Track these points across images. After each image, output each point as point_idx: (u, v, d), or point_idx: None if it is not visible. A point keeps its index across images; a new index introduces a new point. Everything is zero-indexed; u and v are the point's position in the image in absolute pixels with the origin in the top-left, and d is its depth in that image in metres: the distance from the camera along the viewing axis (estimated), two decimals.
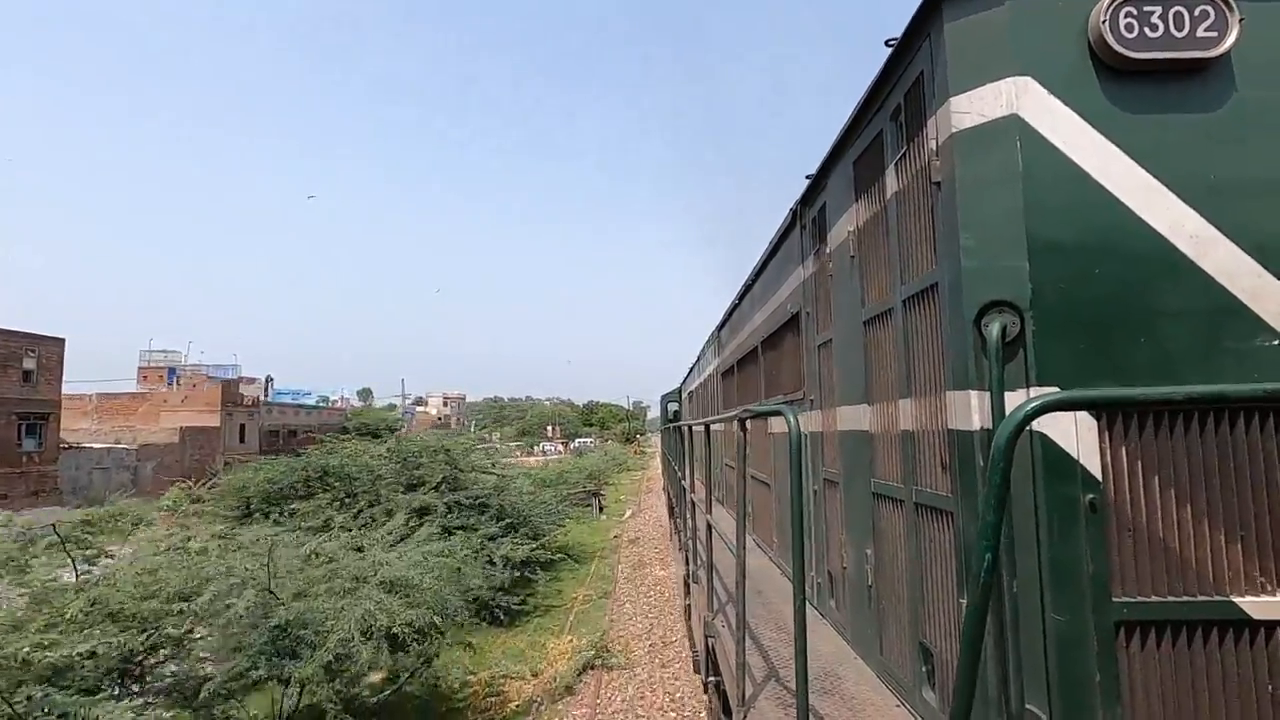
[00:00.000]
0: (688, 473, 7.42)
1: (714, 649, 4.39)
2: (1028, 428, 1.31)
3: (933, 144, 2.38)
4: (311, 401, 68.37)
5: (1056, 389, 2.01)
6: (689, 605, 8.47)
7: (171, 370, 47.16)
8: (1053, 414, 1.98)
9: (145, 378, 47.35)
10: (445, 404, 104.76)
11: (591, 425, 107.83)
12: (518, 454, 71.39)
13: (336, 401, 77.95)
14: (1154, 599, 1.97)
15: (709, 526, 4.31)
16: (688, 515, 7.68)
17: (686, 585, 8.57)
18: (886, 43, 2.70)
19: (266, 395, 55.95)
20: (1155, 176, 2.10)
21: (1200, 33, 2.09)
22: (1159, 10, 2.10)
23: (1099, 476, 2.01)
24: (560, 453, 65.73)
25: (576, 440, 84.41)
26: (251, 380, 55.51)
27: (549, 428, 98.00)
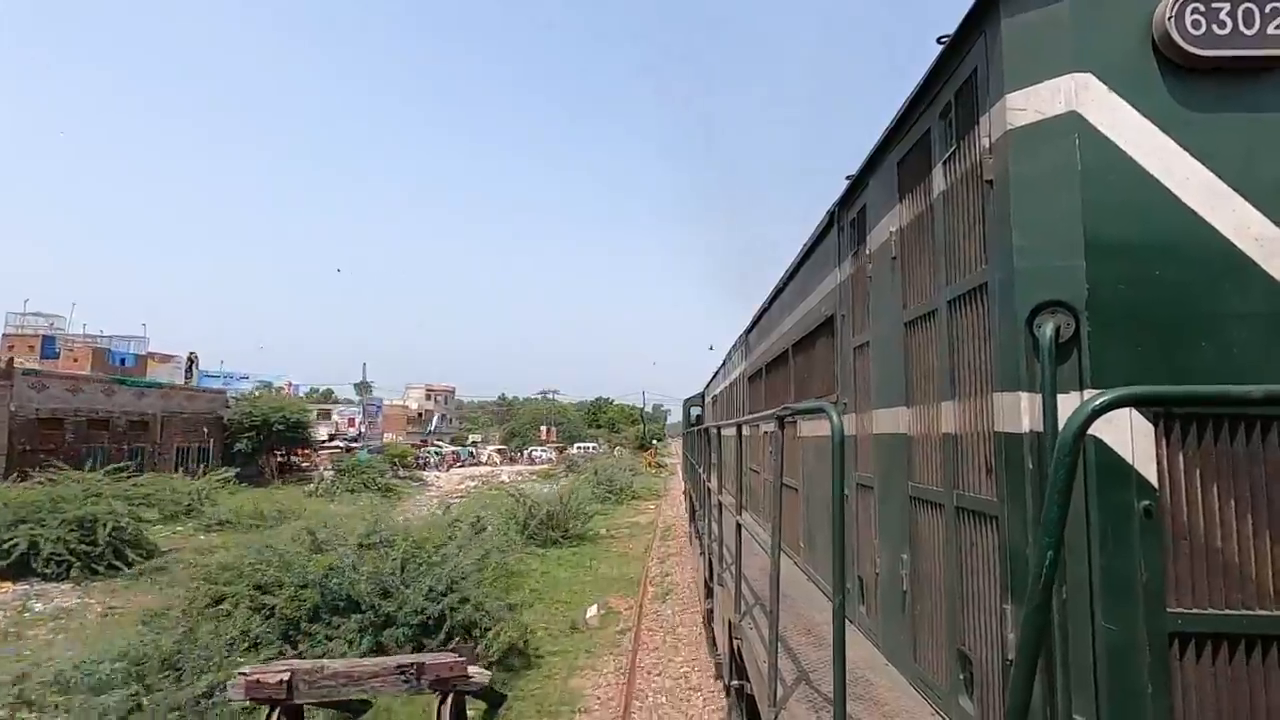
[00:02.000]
0: (713, 475, 7.39)
1: (739, 652, 4.35)
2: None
3: (985, 142, 2.35)
4: (248, 387, 51.46)
5: None
6: (710, 609, 8.42)
7: (49, 339, 36.35)
8: (1107, 417, 1.94)
9: (11, 346, 35.21)
10: (429, 397, 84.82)
11: (599, 427, 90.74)
12: (497, 460, 60.30)
13: (283, 389, 58.71)
14: (1210, 611, 1.92)
15: (739, 528, 4.28)
16: (710, 519, 7.65)
17: (707, 588, 8.53)
18: (938, 40, 2.67)
19: (190, 378, 44.18)
20: (1220, 177, 2.05)
21: (1271, 30, 2.03)
22: (1227, 7, 2.05)
23: (1154, 483, 1.96)
24: (551, 461, 55.54)
25: (575, 446, 68.09)
26: (169, 357, 43.69)
27: (542, 429, 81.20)
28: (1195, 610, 1.92)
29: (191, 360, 46.63)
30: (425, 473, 46.43)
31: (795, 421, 5.42)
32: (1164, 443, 1.97)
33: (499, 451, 66.97)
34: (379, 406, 71.10)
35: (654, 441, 74.45)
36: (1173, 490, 1.96)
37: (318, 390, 76.87)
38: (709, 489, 7.47)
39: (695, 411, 20.83)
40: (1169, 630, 1.92)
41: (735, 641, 4.38)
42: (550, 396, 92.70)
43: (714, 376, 16.31)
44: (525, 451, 68.15)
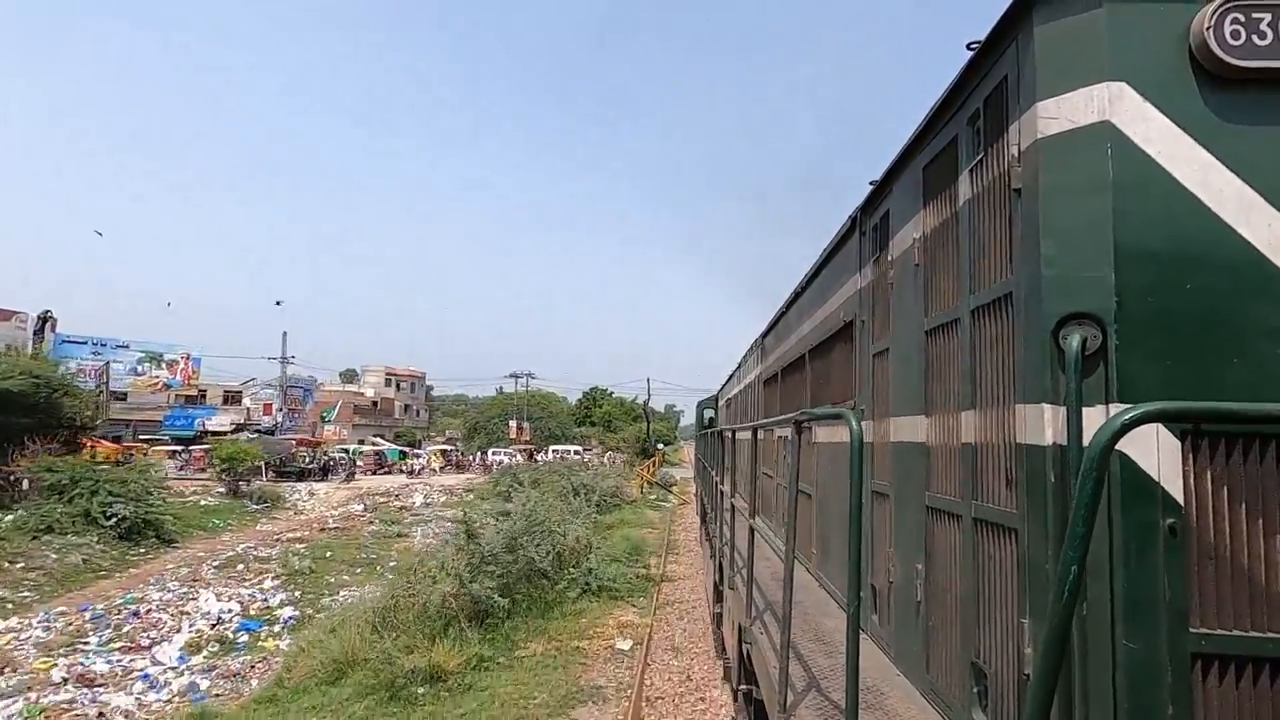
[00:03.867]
0: (726, 479, 7.37)
1: (749, 656, 4.34)
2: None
3: (1014, 150, 2.32)
4: (136, 357, 40.99)
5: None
6: (719, 613, 8.40)
7: None
8: (1134, 433, 1.91)
9: None
10: (389, 383, 67.94)
11: (592, 424, 72.01)
12: (436, 465, 44.46)
13: (177, 363, 46.51)
14: (1235, 633, 1.88)
15: (751, 531, 4.27)
16: (722, 522, 7.63)
17: (718, 592, 8.51)
18: (968, 46, 2.64)
19: (40, 341, 33.69)
20: (1255, 189, 2.01)
21: None
22: (1268, 18, 2.01)
23: (1180, 500, 1.92)
24: (505, 463, 40.86)
25: (552, 448, 50.99)
26: (8, 314, 33.47)
27: (512, 424, 63.46)
28: (1220, 631, 1.88)
29: (45, 320, 35.37)
30: (308, 484, 33.38)
31: (811, 427, 5.39)
32: (1191, 460, 1.94)
33: (443, 453, 49.42)
34: (308, 390, 55.21)
35: (659, 446, 58.13)
36: (1199, 509, 1.93)
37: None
38: (722, 492, 7.45)
39: (709, 414, 20.81)
40: (1191, 651, 1.88)
41: (745, 646, 4.36)
42: (524, 381, 69.79)
43: (729, 379, 16.27)
44: (483, 454, 51.33)
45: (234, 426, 44.10)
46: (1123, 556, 1.92)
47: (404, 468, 44.93)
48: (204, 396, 49.51)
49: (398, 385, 70.08)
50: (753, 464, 4.84)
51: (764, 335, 9.41)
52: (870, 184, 4.04)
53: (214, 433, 41.12)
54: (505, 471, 31.88)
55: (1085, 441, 1.89)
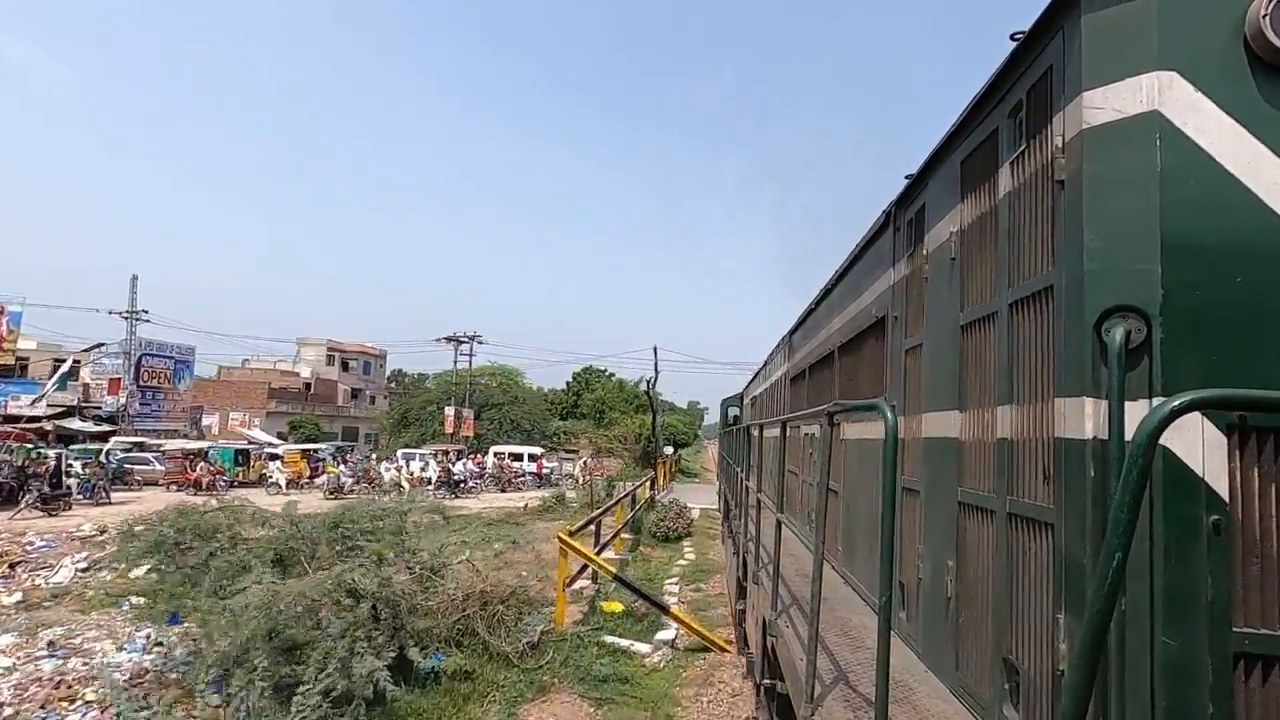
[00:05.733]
0: (751, 475, 7.37)
1: (774, 650, 4.34)
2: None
3: (1059, 140, 2.29)
4: None
5: None
6: (742, 609, 8.40)
7: None
8: (1178, 426, 1.88)
9: None
10: (332, 361, 51.42)
11: (581, 416, 51.73)
12: (282, 477, 27.21)
13: None
14: None
15: (778, 525, 4.27)
16: (746, 518, 7.62)
17: (741, 588, 8.51)
18: (1012, 36, 2.61)
19: None
20: None
21: None
22: None
23: (1225, 497, 1.89)
24: (429, 481, 28.30)
25: (493, 452, 36.08)
26: None
27: (448, 411, 44.46)
28: (1265, 631, 1.84)
29: None
30: None
31: (839, 423, 5.36)
32: (1238, 456, 1.90)
33: (303, 455, 32.00)
34: (184, 362, 38.45)
35: (668, 449, 41.01)
36: (1245, 506, 1.89)
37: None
38: (747, 487, 7.45)
39: (733, 412, 20.82)
40: (1234, 650, 1.85)
41: (770, 639, 4.36)
42: (466, 347, 48.49)
43: (754, 378, 16.22)
44: (377, 462, 34.49)
45: (59, 410, 29.58)
46: (1164, 553, 1.89)
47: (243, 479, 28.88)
48: (24, 368, 34.62)
49: (344, 364, 52.29)
50: (780, 459, 4.84)
51: (791, 333, 9.38)
52: (906, 178, 4.00)
53: (20, 418, 26.71)
54: (162, 522, 10.72)
55: (1127, 436, 1.87)
